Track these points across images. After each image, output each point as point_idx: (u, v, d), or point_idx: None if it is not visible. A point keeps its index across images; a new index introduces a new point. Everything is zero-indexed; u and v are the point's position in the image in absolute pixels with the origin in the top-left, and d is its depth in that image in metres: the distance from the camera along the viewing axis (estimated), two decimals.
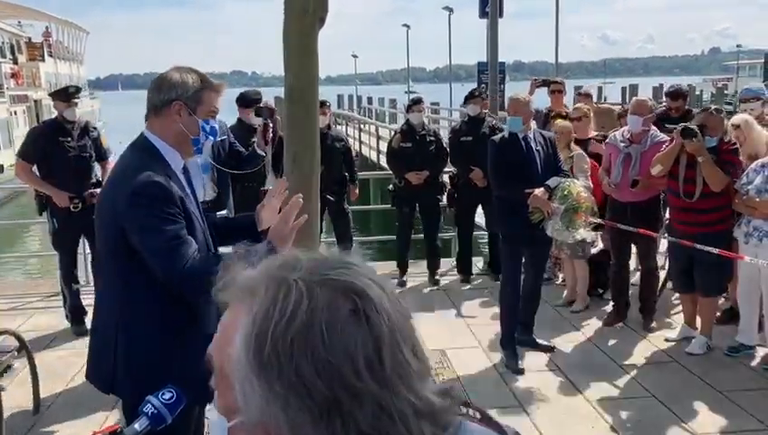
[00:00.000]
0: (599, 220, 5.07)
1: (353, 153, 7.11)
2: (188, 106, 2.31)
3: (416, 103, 6.90)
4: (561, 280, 6.61)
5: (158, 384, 2.30)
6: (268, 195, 2.47)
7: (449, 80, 34.58)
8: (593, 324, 5.63)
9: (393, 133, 7.24)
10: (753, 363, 4.79)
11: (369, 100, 39.76)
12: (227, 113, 6.19)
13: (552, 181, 4.80)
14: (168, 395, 2.12)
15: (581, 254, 5.86)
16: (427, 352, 3.15)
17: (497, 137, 5.02)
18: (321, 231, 6.90)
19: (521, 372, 4.71)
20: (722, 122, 4.74)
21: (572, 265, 6.11)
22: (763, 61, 17.65)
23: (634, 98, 5.59)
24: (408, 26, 46.57)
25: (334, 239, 7.20)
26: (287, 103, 3.68)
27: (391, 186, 7.01)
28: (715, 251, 4.51)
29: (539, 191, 4.67)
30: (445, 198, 7.17)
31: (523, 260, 5.03)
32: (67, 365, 4.82)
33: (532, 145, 4.88)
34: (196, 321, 2.35)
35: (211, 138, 2.40)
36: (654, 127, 5.37)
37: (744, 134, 4.97)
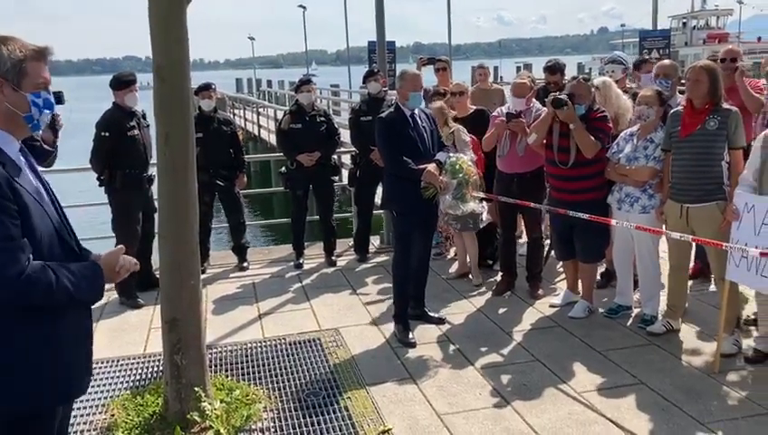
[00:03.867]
0: (482, 194, 5.20)
1: (241, 137, 6.95)
2: (10, 81, 2.09)
3: (304, 83, 6.80)
4: (453, 254, 6.75)
5: (18, 391, 2.13)
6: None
7: (348, 62, 34.49)
8: (483, 295, 5.79)
9: (283, 114, 7.13)
10: (629, 323, 5.07)
11: (269, 83, 39.21)
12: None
13: (441, 156, 4.90)
14: None
15: (471, 226, 6.00)
16: (323, 331, 3.13)
17: (385, 114, 5.04)
18: (212, 217, 6.75)
19: (413, 345, 4.78)
20: (589, 90, 4.95)
21: (462, 240, 6.25)
22: (638, 39, 18.78)
23: (513, 81, 5.80)
24: (304, 8, 45.94)
25: (227, 225, 7.03)
26: (156, 82, 3.53)
27: (283, 168, 6.92)
28: (586, 216, 4.72)
29: (432, 167, 4.73)
30: (346, 177, 7.13)
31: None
32: None
33: (419, 121, 4.93)
34: (56, 325, 2.19)
35: (47, 111, 2.19)
36: (536, 101, 5.57)
37: (603, 95, 5.23)
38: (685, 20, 58.39)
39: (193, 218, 3.76)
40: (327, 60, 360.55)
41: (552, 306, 5.43)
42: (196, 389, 3.72)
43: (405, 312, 5.00)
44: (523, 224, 6.12)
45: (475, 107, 6.32)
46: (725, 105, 4.44)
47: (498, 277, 5.98)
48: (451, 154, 5.00)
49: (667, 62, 5.54)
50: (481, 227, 6.18)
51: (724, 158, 4.40)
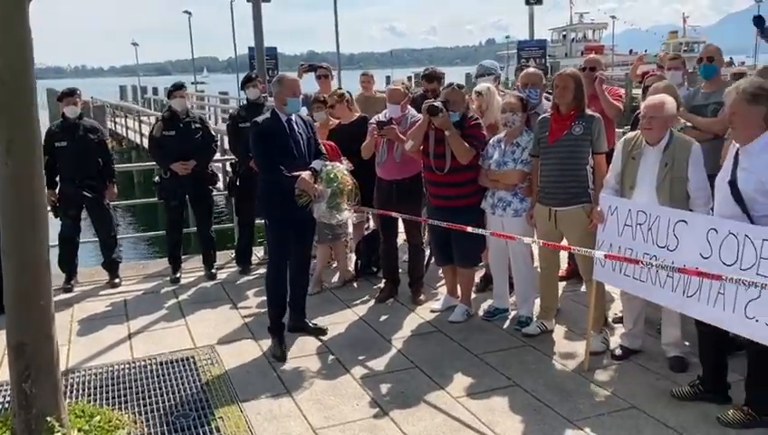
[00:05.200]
0: (351, 206, 5.11)
1: (111, 145, 6.58)
2: None
3: (177, 89, 6.50)
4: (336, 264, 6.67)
5: None
6: None
7: (237, 69, 33.94)
8: (366, 303, 5.74)
9: (155, 121, 6.81)
10: (506, 325, 5.16)
11: (155, 90, 37.82)
12: None
13: (316, 164, 4.80)
14: None
15: (330, 238, 5.98)
16: (197, 349, 2.92)
17: (260, 119, 4.88)
18: (79, 231, 6.34)
19: (285, 358, 4.64)
20: (464, 98, 5.02)
21: (325, 249, 6.19)
22: (515, 50, 19.73)
23: (387, 87, 5.81)
24: (189, 13, 44.66)
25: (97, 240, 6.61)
26: None
27: (157, 178, 6.59)
28: (444, 225, 4.83)
29: (306, 174, 4.63)
30: (226, 186, 6.89)
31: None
32: None
33: (295, 127, 4.82)
34: None
35: None
36: (411, 108, 5.58)
37: (486, 101, 5.33)
38: (564, 32, 61.58)
39: (43, 234, 3.46)
40: (218, 67, 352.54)
41: (432, 311, 5.45)
42: (48, 419, 3.42)
43: (280, 324, 4.85)
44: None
45: (358, 114, 6.28)
46: (589, 112, 4.62)
47: (382, 284, 5.95)
48: (327, 163, 4.92)
49: (531, 70, 5.62)
50: (342, 237, 6.16)
51: (589, 162, 4.57)
